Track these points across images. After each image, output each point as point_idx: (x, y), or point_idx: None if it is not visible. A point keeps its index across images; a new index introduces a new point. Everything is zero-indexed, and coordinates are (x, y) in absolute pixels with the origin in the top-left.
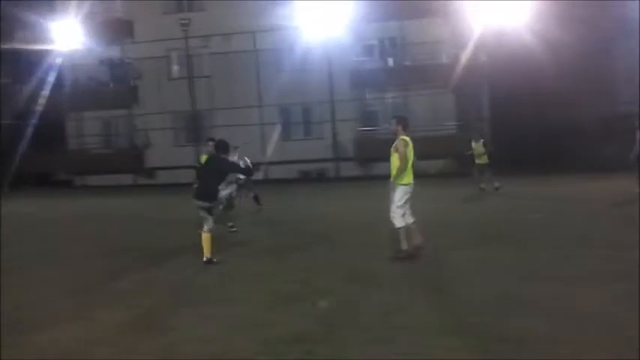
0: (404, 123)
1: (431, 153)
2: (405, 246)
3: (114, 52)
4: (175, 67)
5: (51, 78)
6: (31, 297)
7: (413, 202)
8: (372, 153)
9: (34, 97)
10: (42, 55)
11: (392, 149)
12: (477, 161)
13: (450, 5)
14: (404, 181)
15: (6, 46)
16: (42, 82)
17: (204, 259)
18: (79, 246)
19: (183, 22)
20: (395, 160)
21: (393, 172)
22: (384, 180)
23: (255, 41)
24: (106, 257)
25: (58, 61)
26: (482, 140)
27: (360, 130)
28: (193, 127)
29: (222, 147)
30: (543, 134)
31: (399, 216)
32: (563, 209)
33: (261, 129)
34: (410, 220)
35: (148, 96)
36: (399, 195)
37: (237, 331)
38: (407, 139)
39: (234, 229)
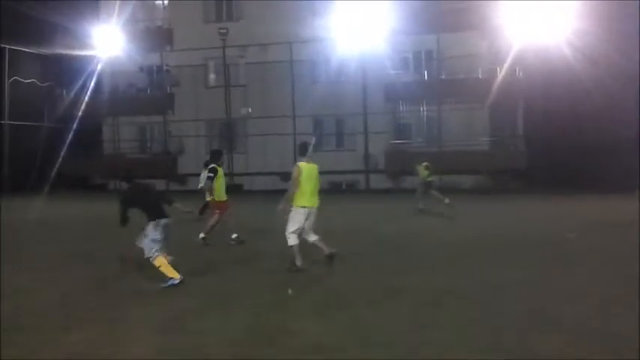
0: (301, 149)
1: (464, 168)
2: (299, 262)
3: (153, 60)
4: (212, 76)
5: (91, 83)
6: (68, 295)
7: (454, 216)
8: (404, 166)
9: (74, 101)
10: (83, 60)
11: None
12: (424, 181)
13: (488, 19)
14: (298, 204)
15: (49, 50)
16: (82, 87)
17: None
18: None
19: (221, 31)
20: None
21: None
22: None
23: (292, 52)
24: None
25: (99, 66)
26: (424, 164)
27: (392, 143)
28: (227, 135)
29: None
30: (580, 151)
31: (291, 235)
32: (598, 229)
33: (294, 139)
34: (313, 238)
35: (184, 103)
36: (292, 217)
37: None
38: (302, 165)
39: (241, 239)
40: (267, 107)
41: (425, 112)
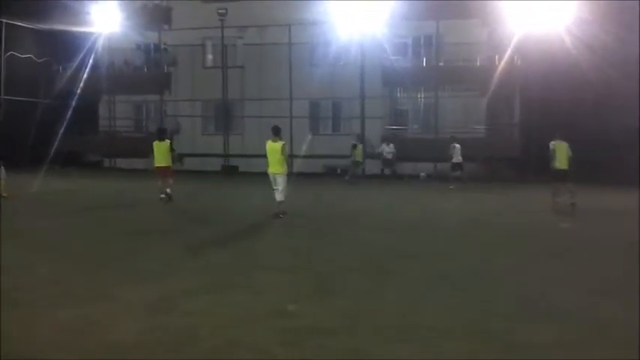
0: (274, 131)
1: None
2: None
3: (151, 38)
4: (209, 56)
5: (88, 60)
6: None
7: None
8: (399, 152)
9: (70, 78)
10: (81, 36)
11: None
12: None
13: (489, 7)
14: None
15: (46, 26)
16: (79, 64)
17: None
18: (103, 226)
19: (220, 11)
20: None
21: None
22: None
23: (290, 34)
24: (128, 236)
25: (96, 43)
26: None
27: (388, 129)
28: (223, 116)
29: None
30: (577, 141)
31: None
32: (593, 220)
33: (290, 121)
34: (278, 197)
35: (181, 83)
36: None
37: None
38: (268, 143)
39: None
40: (264, 89)
41: (422, 99)
